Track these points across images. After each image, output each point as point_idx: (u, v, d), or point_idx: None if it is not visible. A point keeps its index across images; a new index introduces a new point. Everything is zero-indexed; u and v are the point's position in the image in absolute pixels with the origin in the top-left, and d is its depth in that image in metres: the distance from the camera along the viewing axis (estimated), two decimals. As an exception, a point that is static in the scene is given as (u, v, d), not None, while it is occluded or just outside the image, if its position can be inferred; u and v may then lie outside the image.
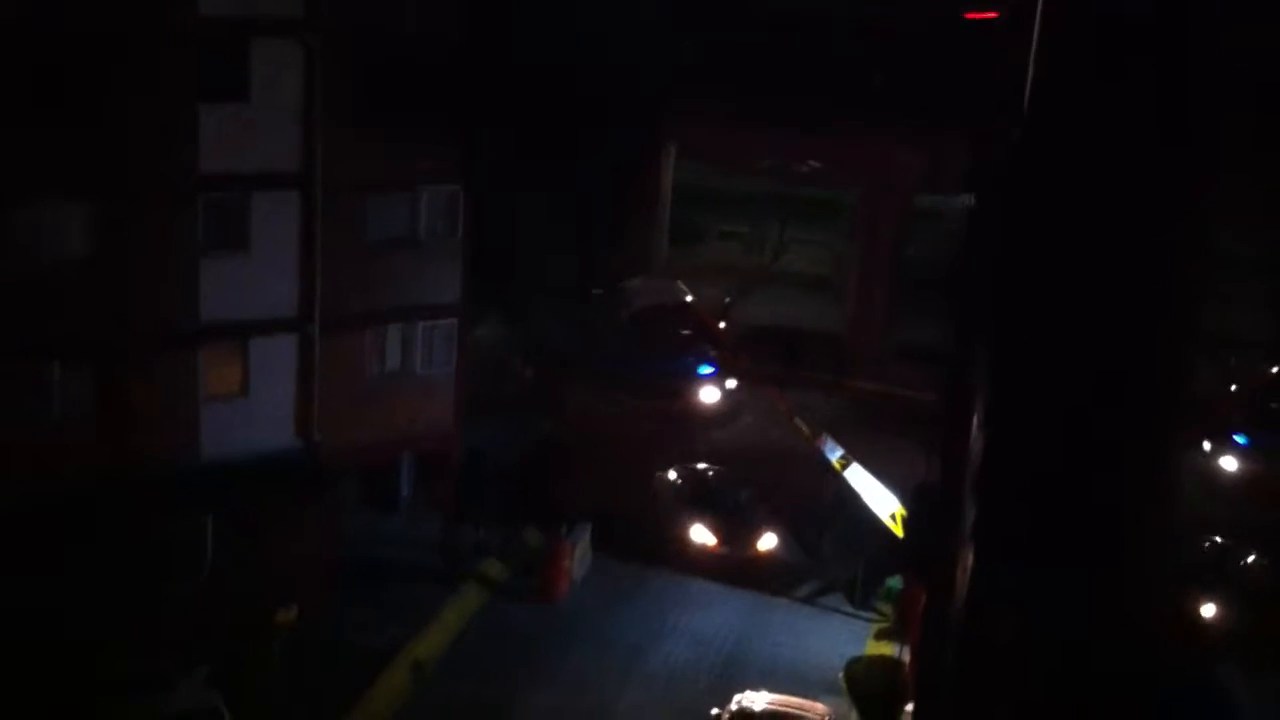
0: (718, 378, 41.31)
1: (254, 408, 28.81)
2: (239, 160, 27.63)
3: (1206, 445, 37.95)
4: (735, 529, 33.03)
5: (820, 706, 26.59)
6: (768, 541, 32.94)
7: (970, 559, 13.57)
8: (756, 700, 26.15)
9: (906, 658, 28.70)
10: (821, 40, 48.88)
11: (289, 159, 28.33)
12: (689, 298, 48.61)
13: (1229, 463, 37.53)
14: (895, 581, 31.20)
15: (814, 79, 48.26)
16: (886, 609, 31.44)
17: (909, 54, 46.06)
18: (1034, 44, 12.76)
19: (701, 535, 32.96)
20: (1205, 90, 9.73)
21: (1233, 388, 40.82)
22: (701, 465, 35.84)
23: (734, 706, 26.01)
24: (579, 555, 31.97)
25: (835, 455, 31.47)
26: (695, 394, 41.13)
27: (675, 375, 41.05)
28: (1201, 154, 9.76)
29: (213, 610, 26.46)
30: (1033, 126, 10.82)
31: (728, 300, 51.82)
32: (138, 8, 25.95)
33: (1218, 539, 32.01)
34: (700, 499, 34.04)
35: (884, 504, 30.33)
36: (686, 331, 43.72)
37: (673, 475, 35.23)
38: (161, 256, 27.07)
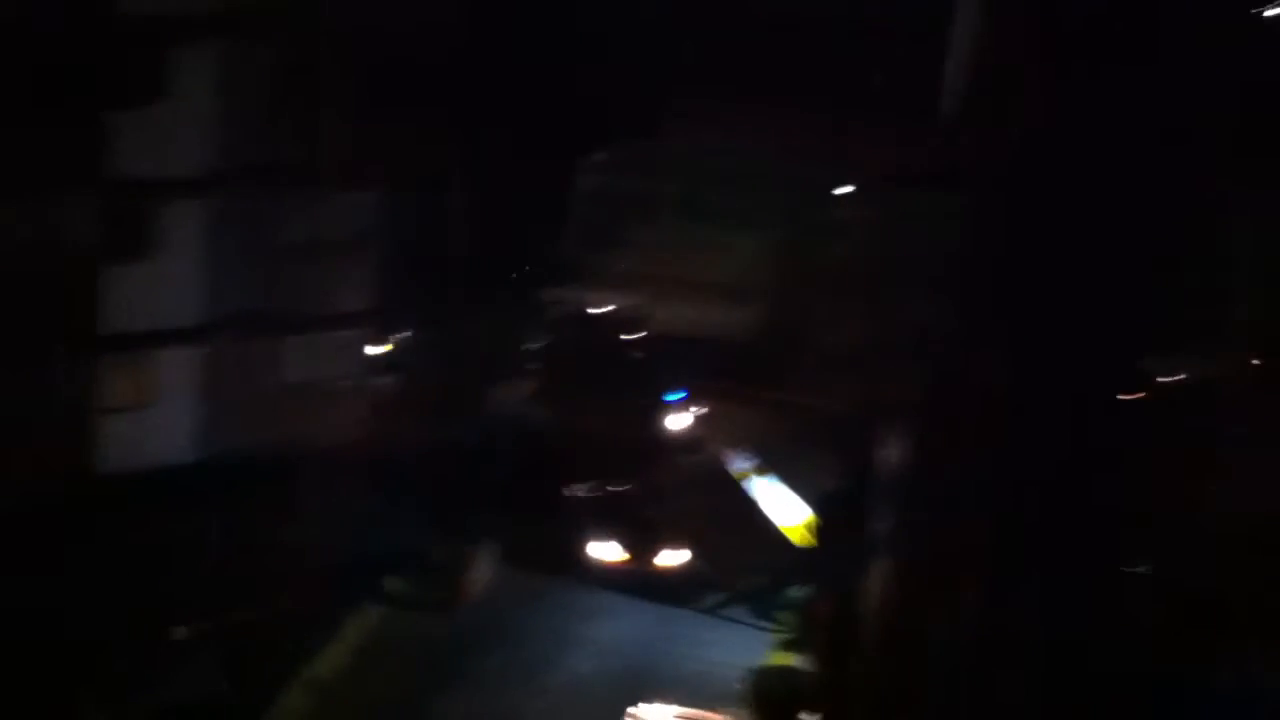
0: (686, 403, 39.68)
1: (159, 421, 28.45)
2: (149, 165, 27.23)
3: None
4: (640, 543, 32.88)
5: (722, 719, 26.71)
6: (672, 557, 32.77)
7: (906, 565, 13.75)
8: (661, 713, 26.19)
9: (808, 667, 28.94)
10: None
11: (201, 163, 28.00)
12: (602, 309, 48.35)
13: None
14: (797, 591, 31.39)
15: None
16: (789, 619, 31.62)
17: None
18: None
19: (603, 550, 32.77)
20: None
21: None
22: (616, 480, 35.70)
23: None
24: (482, 566, 31.85)
25: (745, 466, 31.67)
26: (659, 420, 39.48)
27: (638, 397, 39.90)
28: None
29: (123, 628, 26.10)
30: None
31: (644, 309, 51.66)
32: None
33: None
34: (615, 512, 33.74)
35: (791, 513, 30.54)
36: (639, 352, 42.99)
37: (591, 488, 35.06)
38: (66, 264, 26.61)
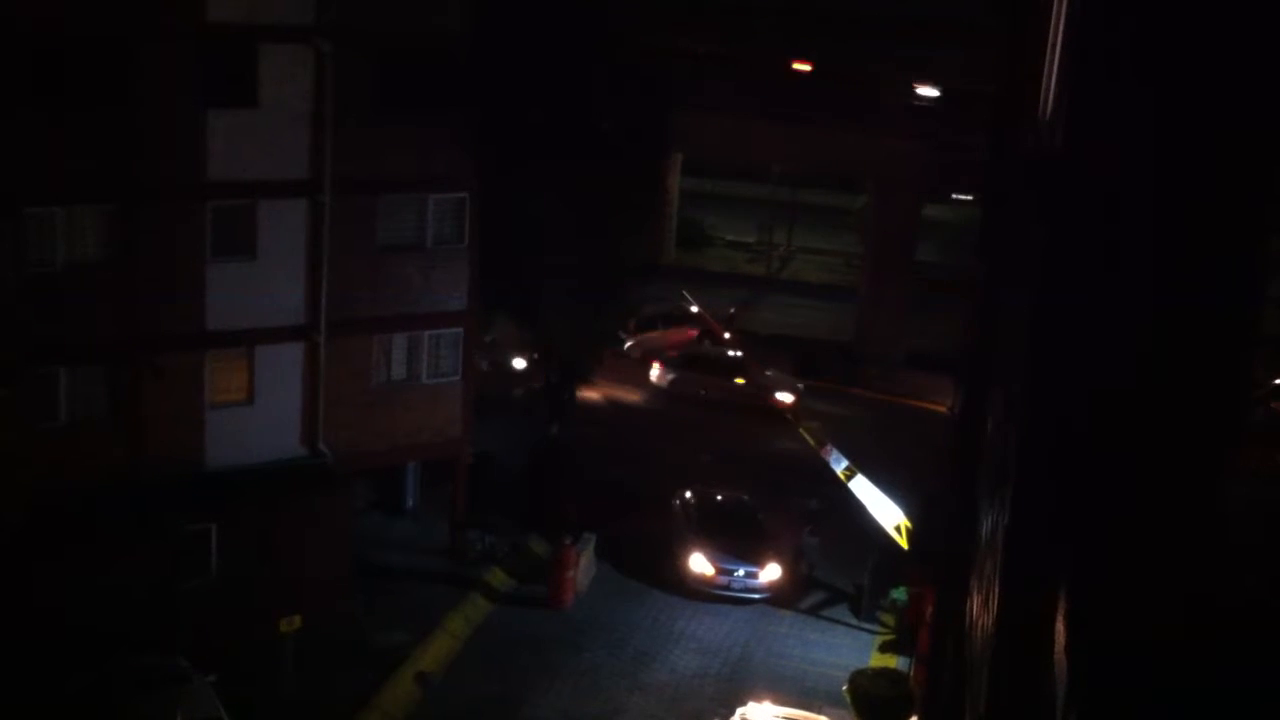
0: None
1: (260, 415, 28.75)
2: (247, 167, 27.60)
3: None
4: (742, 556, 32.49)
5: (824, 719, 26.55)
6: (772, 572, 32.36)
7: (991, 562, 13.52)
8: (761, 712, 26.08)
9: (910, 670, 28.69)
10: (831, 35, 48.95)
11: (297, 165, 28.30)
12: (694, 308, 48.74)
13: None
14: (899, 593, 31.12)
15: (825, 75, 48.35)
16: (890, 620, 31.35)
17: (921, 49, 46.08)
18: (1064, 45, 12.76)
19: (701, 565, 32.37)
20: (1259, 95, 9.60)
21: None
22: (714, 489, 35.51)
23: (738, 718, 25.94)
24: (584, 564, 31.89)
25: (840, 466, 31.40)
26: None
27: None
28: (1257, 155, 9.63)
29: (219, 618, 26.41)
30: (1076, 127, 10.70)
31: (732, 310, 51.90)
32: (145, 13, 25.94)
33: None
34: (709, 525, 33.42)
35: (889, 515, 30.26)
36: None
37: (687, 497, 34.88)
38: (168, 263, 27.03)
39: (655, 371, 45.50)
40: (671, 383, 45.09)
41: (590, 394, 44.16)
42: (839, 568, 33.12)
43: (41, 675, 23.83)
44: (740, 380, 44.30)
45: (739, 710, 26.20)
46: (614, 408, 43.96)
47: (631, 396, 45.12)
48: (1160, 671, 9.05)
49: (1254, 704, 9.02)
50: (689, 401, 43.83)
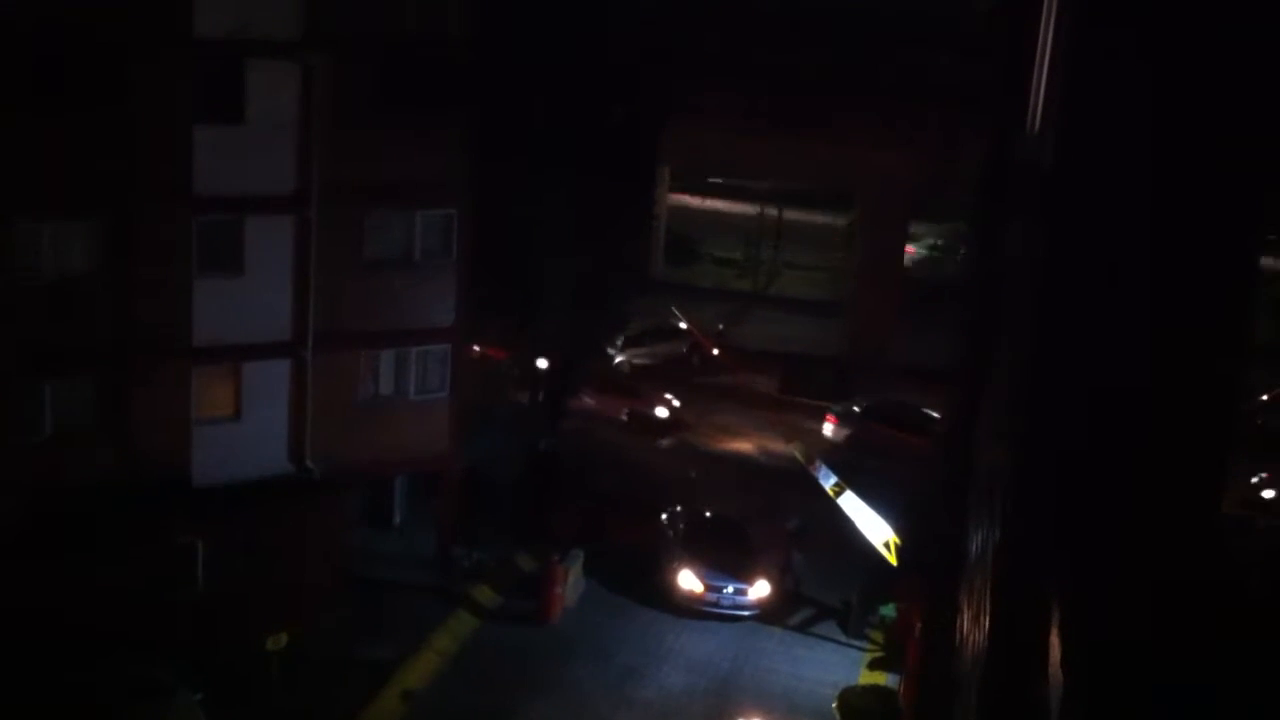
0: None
1: (247, 431, 28.64)
2: (233, 182, 27.52)
3: None
4: (731, 572, 32.30)
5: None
6: (760, 589, 32.21)
7: (986, 573, 13.45)
8: (750, 729, 26.03)
9: (899, 687, 28.60)
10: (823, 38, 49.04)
11: (283, 181, 28.23)
12: (683, 323, 48.75)
13: None
14: (889, 610, 31.04)
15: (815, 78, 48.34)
16: (879, 636, 31.27)
17: (917, 49, 46.10)
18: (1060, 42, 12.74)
19: (689, 582, 32.24)
20: (1252, 99, 9.57)
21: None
22: (703, 508, 35.39)
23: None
24: (572, 580, 31.77)
25: (829, 482, 31.34)
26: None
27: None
28: (1249, 162, 9.62)
29: (205, 634, 26.26)
30: (1072, 130, 10.66)
31: (720, 326, 51.93)
32: (133, 29, 25.86)
33: None
34: (697, 542, 33.18)
35: (877, 531, 30.20)
36: None
37: (676, 515, 34.76)
38: (154, 278, 26.92)
39: (829, 426, 42.90)
40: (848, 438, 42.34)
41: (743, 446, 43.34)
42: (827, 584, 33.01)
43: (27, 681, 23.65)
44: (922, 439, 39.26)
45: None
46: (765, 456, 42.65)
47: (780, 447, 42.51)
48: (1157, 680, 9.00)
49: (1253, 711, 8.96)
50: (873, 455, 40.15)
